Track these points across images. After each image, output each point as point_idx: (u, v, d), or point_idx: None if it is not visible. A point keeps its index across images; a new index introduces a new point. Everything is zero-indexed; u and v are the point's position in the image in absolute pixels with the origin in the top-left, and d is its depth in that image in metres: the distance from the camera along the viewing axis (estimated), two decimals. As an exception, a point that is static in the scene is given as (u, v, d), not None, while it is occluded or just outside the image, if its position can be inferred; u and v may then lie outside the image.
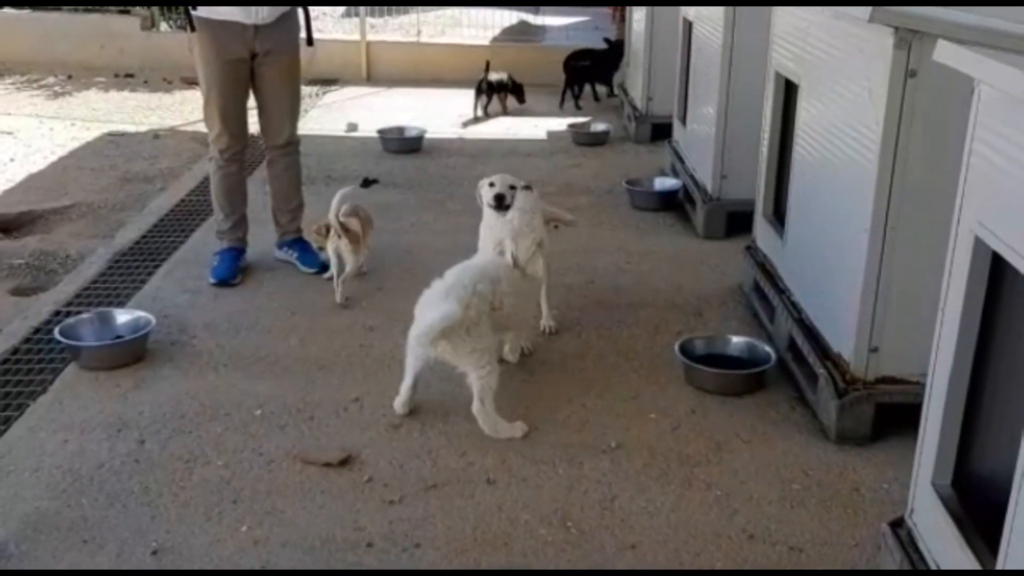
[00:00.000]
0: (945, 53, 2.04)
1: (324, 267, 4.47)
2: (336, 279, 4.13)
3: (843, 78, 3.17)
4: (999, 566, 1.88)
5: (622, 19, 9.26)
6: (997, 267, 2.01)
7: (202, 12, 4.13)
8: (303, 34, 4.43)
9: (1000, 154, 1.94)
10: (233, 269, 4.39)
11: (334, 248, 4.07)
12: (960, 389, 2.15)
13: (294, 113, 4.54)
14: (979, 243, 2.01)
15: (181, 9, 4.54)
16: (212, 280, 4.34)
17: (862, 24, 2.81)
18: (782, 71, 3.88)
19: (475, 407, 3.11)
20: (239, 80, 4.27)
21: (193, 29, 4.22)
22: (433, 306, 3.11)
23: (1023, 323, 1.94)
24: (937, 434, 2.21)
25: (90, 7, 10.28)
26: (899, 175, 2.84)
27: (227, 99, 4.26)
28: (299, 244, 4.59)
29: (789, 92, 3.85)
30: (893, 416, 3.05)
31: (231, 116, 4.30)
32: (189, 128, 7.56)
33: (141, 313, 3.80)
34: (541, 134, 7.44)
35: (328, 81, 9.16)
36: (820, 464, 3.01)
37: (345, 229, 4.08)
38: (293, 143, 4.54)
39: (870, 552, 2.56)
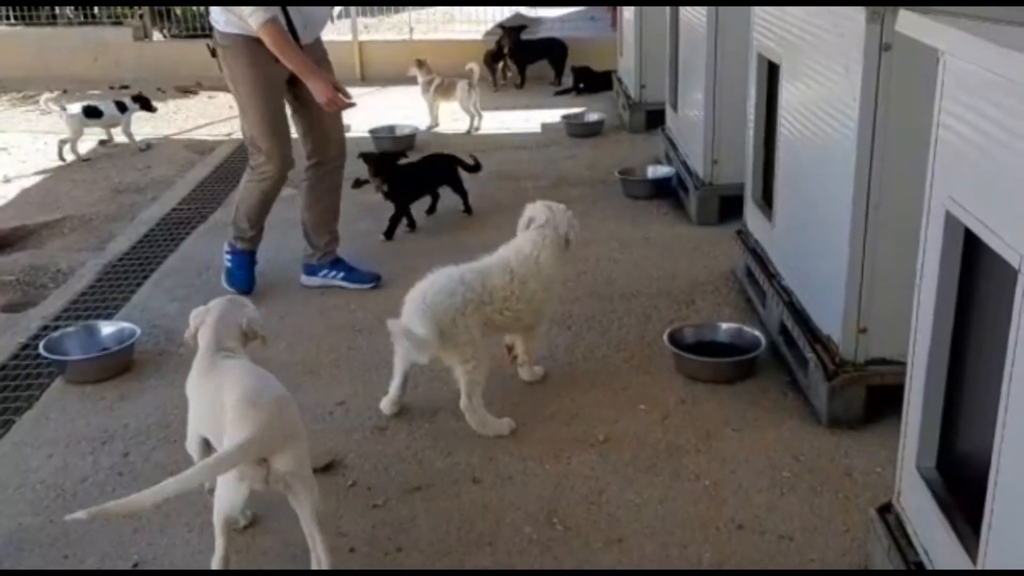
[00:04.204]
0: (908, 23, 1.98)
1: (377, 278, 4.35)
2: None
3: (821, 56, 3.11)
4: (981, 548, 1.83)
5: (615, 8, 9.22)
6: (970, 243, 1.95)
7: (243, 31, 3.92)
8: None
9: (967, 126, 1.88)
10: (251, 277, 4.32)
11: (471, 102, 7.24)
12: (940, 369, 2.09)
13: (344, 126, 4.41)
14: (950, 218, 1.96)
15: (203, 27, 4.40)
16: (230, 288, 4.20)
17: (835, -1, 2.76)
18: (764, 52, 3.82)
19: (463, 403, 3.07)
20: (283, 96, 4.12)
21: (214, 53, 4.08)
22: (414, 304, 3.08)
23: (998, 300, 1.88)
24: (919, 416, 2.16)
25: (85, 20, 10.31)
26: (879, 153, 2.78)
27: (279, 117, 4.10)
28: (342, 264, 4.40)
29: (772, 73, 3.79)
30: (886, 398, 2.98)
31: (284, 134, 4.13)
32: (182, 136, 7.56)
33: (126, 324, 3.79)
34: (535, 127, 7.40)
35: (322, 83, 9.12)
36: (811, 450, 2.96)
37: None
38: (344, 156, 4.41)
39: (860, 538, 2.51)
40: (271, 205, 4.36)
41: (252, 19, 3.78)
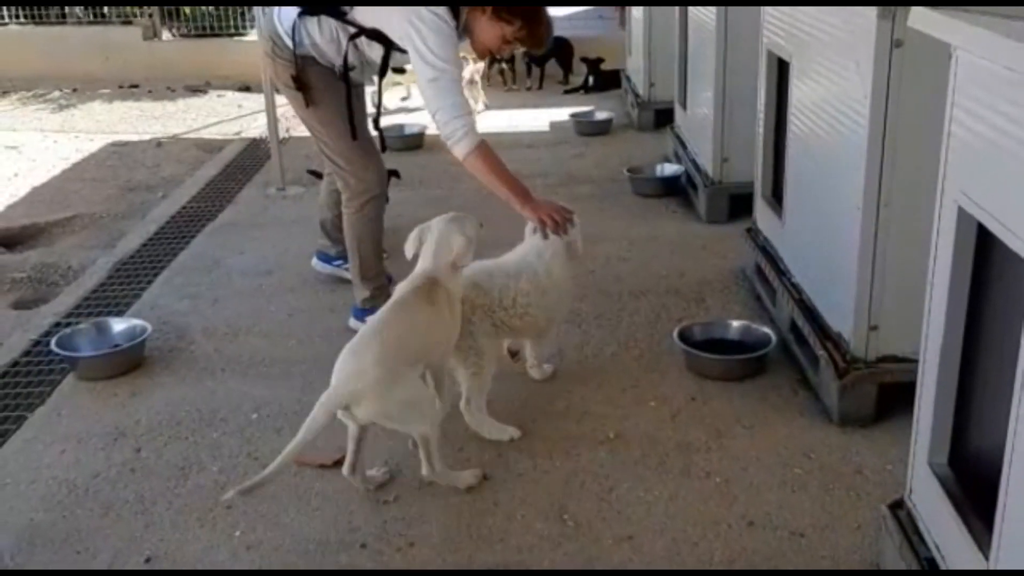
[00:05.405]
0: (920, 18, 1.98)
1: None
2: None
3: (832, 53, 3.10)
4: (994, 544, 1.83)
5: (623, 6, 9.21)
6: (983, 239, 1.95)
7: (311, 49, 3.61)
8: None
9: (980, 121, 1.88)
10: None
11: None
12: (952, 365, 2.09)
13: None
14: (963, 214, 1.96)
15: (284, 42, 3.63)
16: None
17: (846, -4, 2.75)
18: (774, 49, 3.81)
19: (462, 405, 3.06)
20: None
21: (297, 82, 3.64)
22: None
23: (1011, 296, 1.88)
24: (931, 413, 2.16)
25: (94, 19, 10.34)
26: (889, 150, 2.77)
27: (364, 123, 3.79)
28: None
29: (782, 70, 3.78)
30: (897, 395, 2.98)
31: (373, 141, 3.83)
32: (192, 135, 7.58)
33: (137, 321, 3.80)
34: (544, 125, 7.40)
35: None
36: (822, 447, 2.95)
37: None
38: None
39: (872, 535, 2.51)
40: (383, 229, 3.97)
41: (460, 146, 3.31)
